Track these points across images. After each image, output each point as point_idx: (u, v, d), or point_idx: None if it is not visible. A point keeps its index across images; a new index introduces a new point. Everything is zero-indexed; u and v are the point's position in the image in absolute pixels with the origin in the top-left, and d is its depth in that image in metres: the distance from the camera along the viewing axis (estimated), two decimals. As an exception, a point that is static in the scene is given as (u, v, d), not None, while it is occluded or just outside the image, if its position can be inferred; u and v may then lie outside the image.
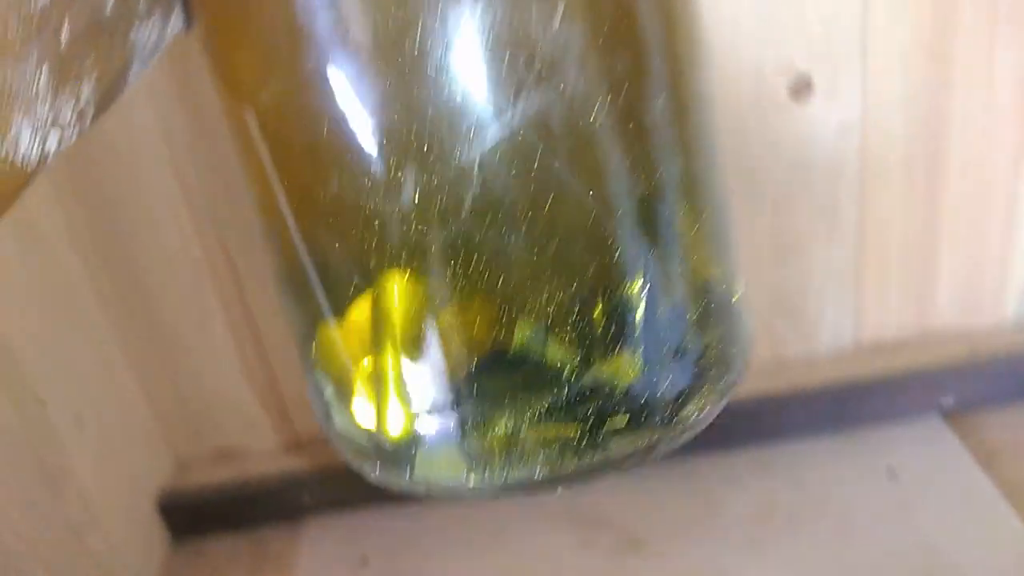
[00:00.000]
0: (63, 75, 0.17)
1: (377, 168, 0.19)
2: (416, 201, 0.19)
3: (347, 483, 0.62)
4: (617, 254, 0.20)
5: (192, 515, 0.60)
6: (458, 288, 0.19)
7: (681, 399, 0.21)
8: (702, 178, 0.22)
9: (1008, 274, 0.58)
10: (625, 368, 0.20)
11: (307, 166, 0.20)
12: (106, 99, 0.18)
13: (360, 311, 0.20)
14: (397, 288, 0.20)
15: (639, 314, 0.20)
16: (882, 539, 0.49)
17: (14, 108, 0.16)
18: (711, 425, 0.56)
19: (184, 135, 0.51)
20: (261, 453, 0.63)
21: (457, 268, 0.19)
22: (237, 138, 0.21)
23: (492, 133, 0.18)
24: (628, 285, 0.20)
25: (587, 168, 0.19)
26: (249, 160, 0.21)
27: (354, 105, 0.18)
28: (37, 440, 0.48)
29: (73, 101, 0.17)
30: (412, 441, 0.21)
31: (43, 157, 0.17)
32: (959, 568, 0.46)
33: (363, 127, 0.18)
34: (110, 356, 0.57)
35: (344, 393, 0.22)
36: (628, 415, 0.20)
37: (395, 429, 0.21)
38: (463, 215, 0.19)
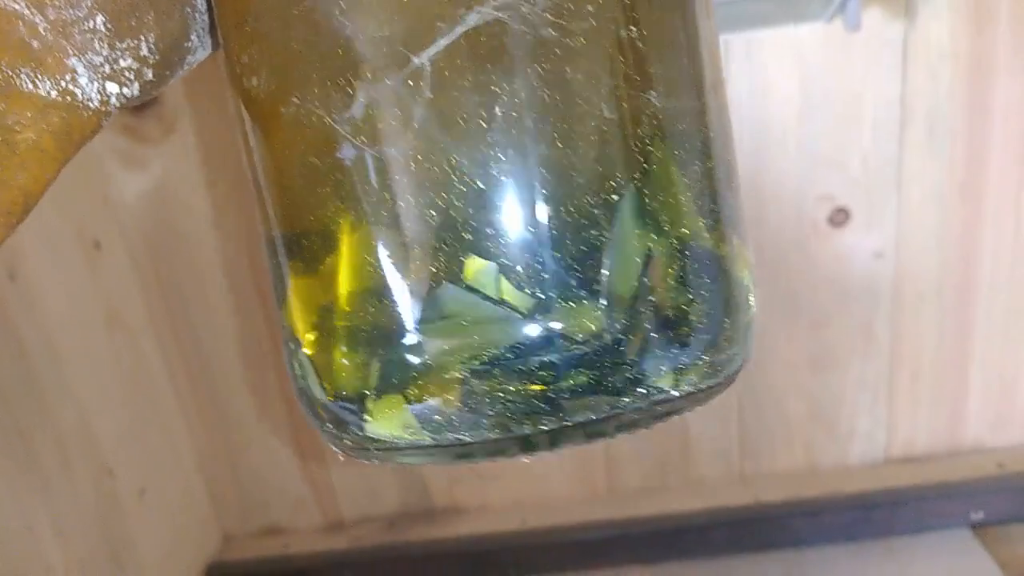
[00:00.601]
0: (120, 25, 0.17)
1: (323, 79, 0.18)
2: (363, 113, 0.17)
3: (387, 564, 0.64)
4: (586, 185, 0.18)
5: (237, 589, 0.63)
6: (402, 216, 0.18)
7: (652, 366, 0.18)
8: (700, 115, 0.19)
9: (1035, 394, 0.60)
10: (587, 319, 0.18)
11: (270, 99, 0.19)
12: (166, 63, 0.19)
13: (314, 260, 0.19)
14: (343, 225, 0.18)
15: (607, 258, 0.18)
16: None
17: (68, 48, 0.17)
18: (745, 527, 0.58)
19: (257, 235, 0.55)
20: (306, 532, 0.65)
21: (402, 193, 0.18)
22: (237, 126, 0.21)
23: (443, 32, 0.17)
24: (596, 223, 0.18)
25: (550, 79, 0.17)
26: (243, 143, 0.21)
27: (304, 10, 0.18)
28: (105, 510, 0.51)
29: (131, 56, 0.18)
30: (360, 394, 0.19)
31: (104, 101, 0.18)
32: None
33: (310, 30, 0.18)
34: (175, 434, 0.60)
35: (303, 349, 0.20)
36: (587, 374, 0.18)
37: (345, 383, 0.19)
38: (409, 129, 0.17)
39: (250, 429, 0.61)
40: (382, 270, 0.18)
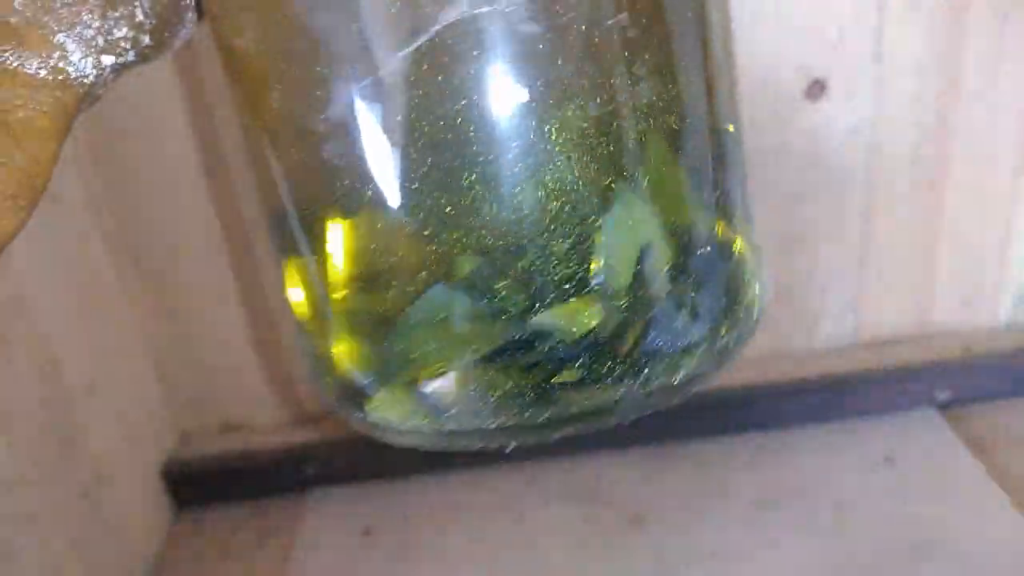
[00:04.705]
0: None
1: (320, 81, 0.17)
2: (353, 111, 0.17)
3: (351, 456, 0.63)
4: (579, 184, 0.17)
5: (197, 485, 0.61)
6: (397, 214, 0.18)
7: (648, 358, 0.18)
8: (703, 106, 0.19)
9: (1004, 277, 0.60)
10: (581, 315, 0.18)
11: (276, 97, 0.19)
12: (163, 25, 0.18)
13: (316, 250, 0.20)
14: (342, 222, 0.19)
15: (600, 256, 0.18)
16: (878, 521, 0.51)
17: (52, 24, 0.16)
18: (713, 410, 0.57)
19: (206, 107, 0.52)
20: (266, 426, 0.64)
21: (397, 193, 0.17)
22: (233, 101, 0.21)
23: (422, 30, 0.16)
24: (589, 221, 0.18)
25: (533, 75, 0.17)
26: (243, 119, 0.21)
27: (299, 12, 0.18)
28: (51, 400, 0.49)
29: (126, 25, 0.17)
30: (364, 380, 0.20)
31: (101, 74, 0.17)
32: (952, 548, 0.48)
33: (306, 33, 0.17)
34: (123, 324, 0.57)
35: (311, 332, 0.21)
36: (582, 369, 0.18)
37: (349, 370, 0.20)
38: (396, 127, 0.17)
39: (201, 318, 0.59)
40: (380, 266, 0.18)
